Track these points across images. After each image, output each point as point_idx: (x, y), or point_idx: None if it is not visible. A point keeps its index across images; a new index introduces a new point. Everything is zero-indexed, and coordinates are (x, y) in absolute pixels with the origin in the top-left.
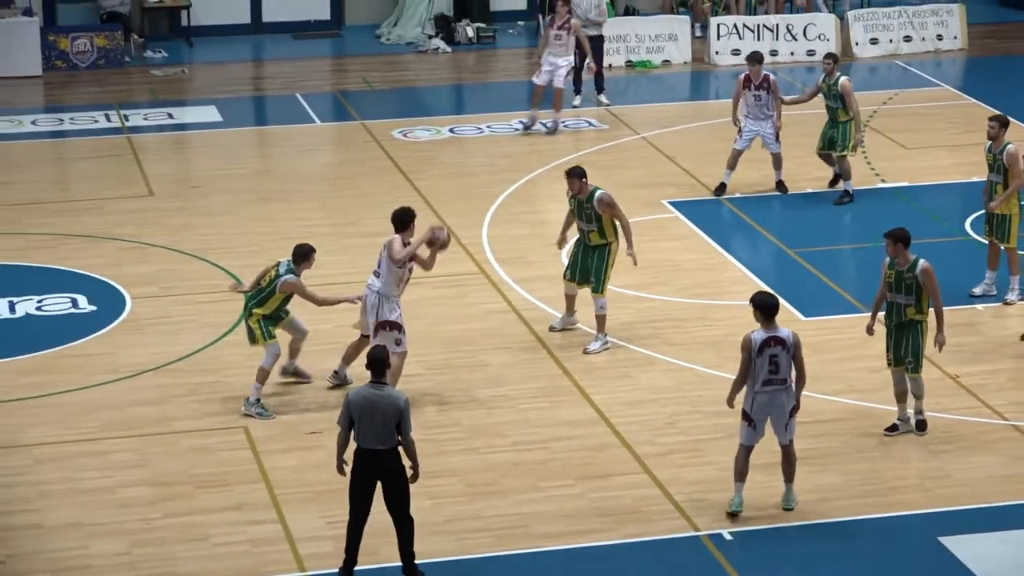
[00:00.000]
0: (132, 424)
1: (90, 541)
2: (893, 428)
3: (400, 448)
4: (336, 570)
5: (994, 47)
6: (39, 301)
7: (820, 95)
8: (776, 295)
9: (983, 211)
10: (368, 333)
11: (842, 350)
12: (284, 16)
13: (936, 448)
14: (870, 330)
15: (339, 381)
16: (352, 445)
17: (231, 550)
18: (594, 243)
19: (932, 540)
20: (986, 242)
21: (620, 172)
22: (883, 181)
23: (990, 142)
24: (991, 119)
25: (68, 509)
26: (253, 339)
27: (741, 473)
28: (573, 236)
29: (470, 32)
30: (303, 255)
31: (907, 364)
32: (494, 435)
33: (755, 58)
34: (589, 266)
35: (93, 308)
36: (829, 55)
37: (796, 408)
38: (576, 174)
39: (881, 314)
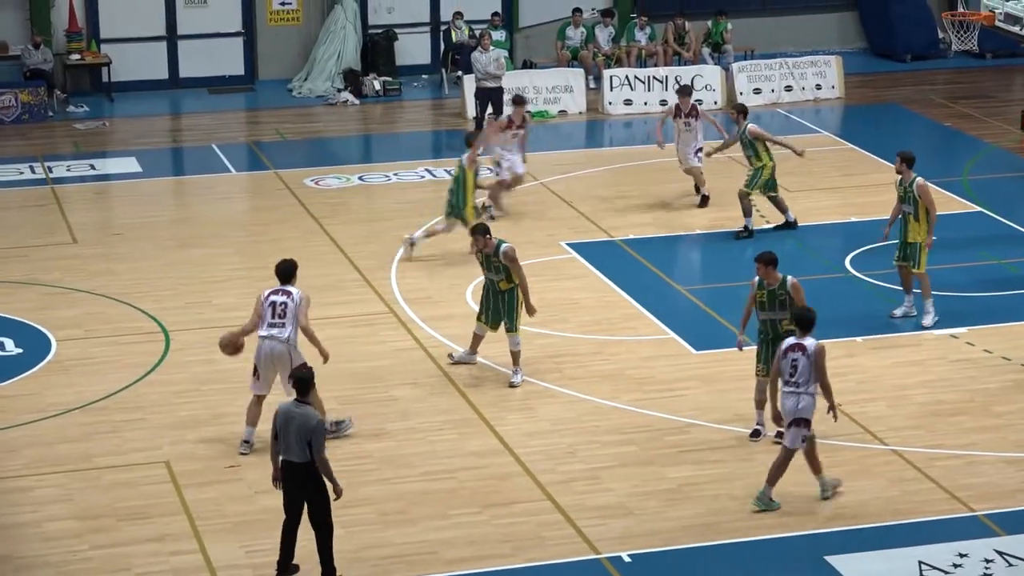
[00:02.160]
0: (57, 461)
1: (18, 573)
2: (756, 434)
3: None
4: None
5: (869, 95)
6: None
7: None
8: (814, 312)
9: (882, 243)
10: (266, 392)
11: (730, 381)
12: (200, 71)
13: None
14: (740, 346)
15: (248, 449)
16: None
17: None
18: (503, 288)
19: (819, 559)
20: (897, 268)
21: (520, 216)
22: (767, 223)
23: (899, 176)
24: (899, 156)
25: None
26: None
27: (815, 467)
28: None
29: (377, 85)
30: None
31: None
32: (404, 466)
33: (685, 91)
34: (500, 308)
35: (20, 351)
36: (735, 106)
37: (831, 409)
38: (480, 231)
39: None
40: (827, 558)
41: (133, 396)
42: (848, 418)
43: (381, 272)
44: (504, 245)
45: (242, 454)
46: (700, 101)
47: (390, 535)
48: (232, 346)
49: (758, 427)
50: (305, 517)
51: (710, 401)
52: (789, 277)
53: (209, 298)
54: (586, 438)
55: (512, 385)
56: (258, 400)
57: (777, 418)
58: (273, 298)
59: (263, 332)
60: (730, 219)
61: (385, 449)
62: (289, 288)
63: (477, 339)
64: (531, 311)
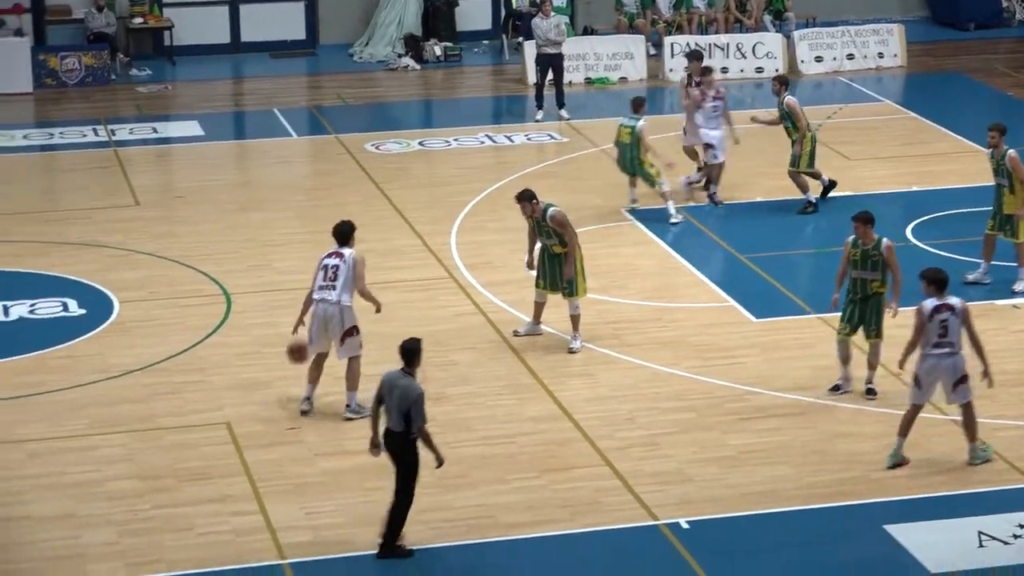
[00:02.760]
0: (119, 421)
1: (81, 531)
2: (836, 388)
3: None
4: (314, 558)
5: (930, 64)
6: (32, 305)
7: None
8: (945, 270)
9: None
10: (325, 351)
11: (790, 349)
12: (262, 36)
13: (881, 441)
14: (835, 304)
15: (309, 407)
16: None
17: (215, 539)
18: (558, 252)
19: (878, 528)
20: (985, 237)
21: (580, 183)
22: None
23: (992, 149)
24: (991, 128)
25: (59, 502)
26: None
27: (904, 429)
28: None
29: (438, 51)
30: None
31: (870, 331)
32: (464, 430)
33: (695, 55)
34: (558, 273)
35: (83, 312)
36: (777, 77)
37: (986, 373)
38: (525, 197)
39: None
40: (886, 527)
41: (194, 358)
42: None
43: (441, 237)
44: (552, 209)
45: (303, 412)
46: (710, 68)
47: (449, 499)
48: (298, 352)
49: (840, 382)
50: None
51: (770, 369)
52: (885, 239)
53: (269, 261)
54: (645, 404)
55: (571, 351)
56: (318, 360)
57: (917, 382)
58: (326, 261)
59: (316, 295)
60: (791, 187)
61: (445, 413)
62: (343, 250)
63: (538, 307)
64: (565, 274)
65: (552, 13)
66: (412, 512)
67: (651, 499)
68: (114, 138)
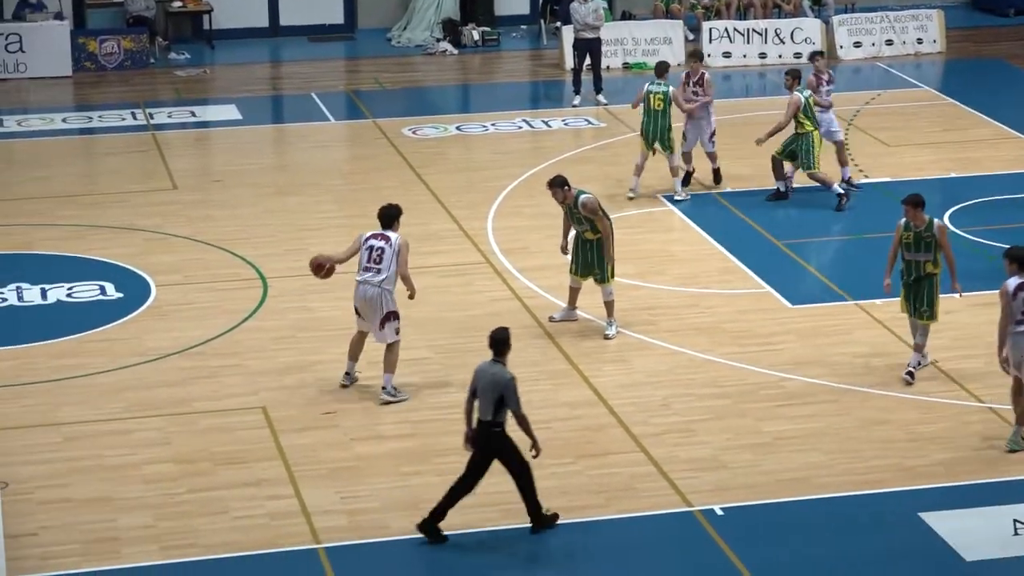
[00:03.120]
0: (156, 404)
1: (117, 515)
2: (910, 375)
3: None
4: (349, 543)
5: (969, 50)
6: (69, 288)
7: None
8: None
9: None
10: (366, 329)
11: (827, 335)
12: (300, 20)
13: (916, 429)
14: (887, 288)
15: (349, 381)
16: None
17: (250, 523)
18: (590, 239)
19: (913, 516)
20: None
21: (617, 168)
22: (866, 177)
23: None
24: None
25: (96, 484)
26: None
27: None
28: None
29: (476, 35)
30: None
31: (923, 313)
32: None
33: (695, 56)
34: (590, 260)
35: (120, 295)
36: (789, 71)
37: None
38: (557, 183)
39: None
40: (921, 515)
41: (231, 342)
42: (944, 375)
43: (477, 222)
44: (583, 196)
45: (343, 386)
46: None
47: (484, 484)
48: (320, 267)
49: (921, 362)
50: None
51: (806, 355)
52: (936, 220)
53: (306, 245)
54: (680, 391)
55: (607, 337)
56: (361, 336)
57: (1006, 362)
58: (371, 242)
59: (358, 276)
60: (828, 172)
61: None
62: (388, 233)
63: (573, 292)
64: (606, 258)
65: None
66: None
67: (686, 485)
68: (152, 122)
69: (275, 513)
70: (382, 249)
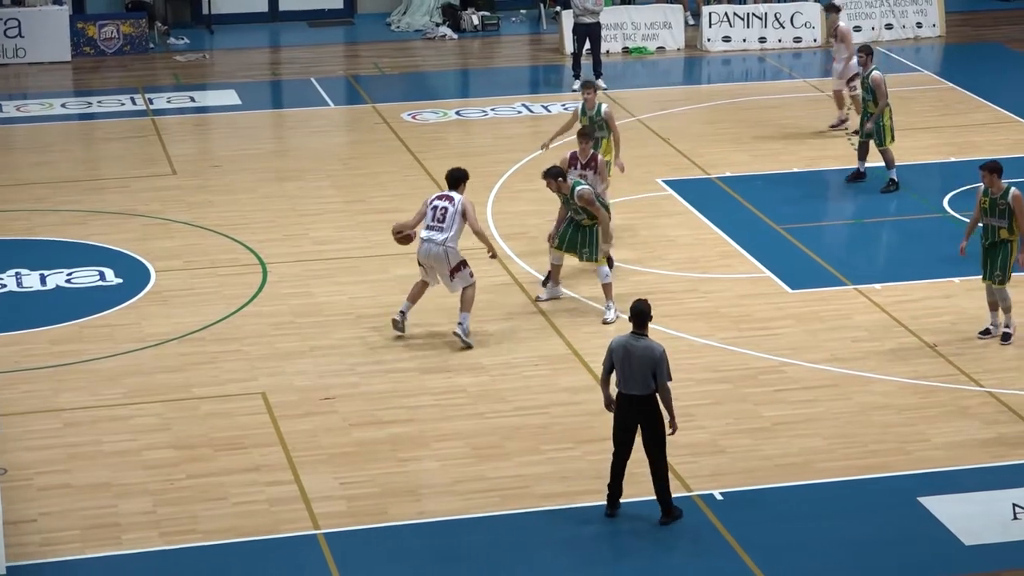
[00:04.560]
0: (156, 390)
1: (118, 500)
2: (986, 332)
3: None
4: (348, 528)
5: (969, 34)
6: (69, 274)
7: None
8: None
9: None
10: (429, 280)
11: (827, 320)
12: (300, 5)
13: (915, 413)
14: (963, 251)
15: (402, 319)
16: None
17: (250, 509)
18: (585, 224)
19: (912, 500)
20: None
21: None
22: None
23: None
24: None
25: (96, 470)
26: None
27: None
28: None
29: (475, 20)
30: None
31: (995, 277)
32: (498, 401)
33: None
34: (577, 239)
35: (120, 281)
36: (862, 47)
37: None
38: (551, 174)
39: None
40: (920, 499)
41: (230, 327)
42: (944, 359)
43: (478, 207)
44: (579, 187)
45: (395, 321)
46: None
47: (483, 469)
48: (400, 233)
49: (990, 327)
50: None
51: (806, 340)
52: (1013, 188)
53: (306, 231)
54: (680, 375)
55: (606, 322)
56: (423, 285)
57: None
58: (436, 203)
59: (423, 234)
60: (827, 157)
61: (479, 384)
62: (452, 194)
63: (555, 269)
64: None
65: None
66: (445, 482)
67: (685, 470)
68: (152, 107)
69: (274, 499)
70: (445, 209)
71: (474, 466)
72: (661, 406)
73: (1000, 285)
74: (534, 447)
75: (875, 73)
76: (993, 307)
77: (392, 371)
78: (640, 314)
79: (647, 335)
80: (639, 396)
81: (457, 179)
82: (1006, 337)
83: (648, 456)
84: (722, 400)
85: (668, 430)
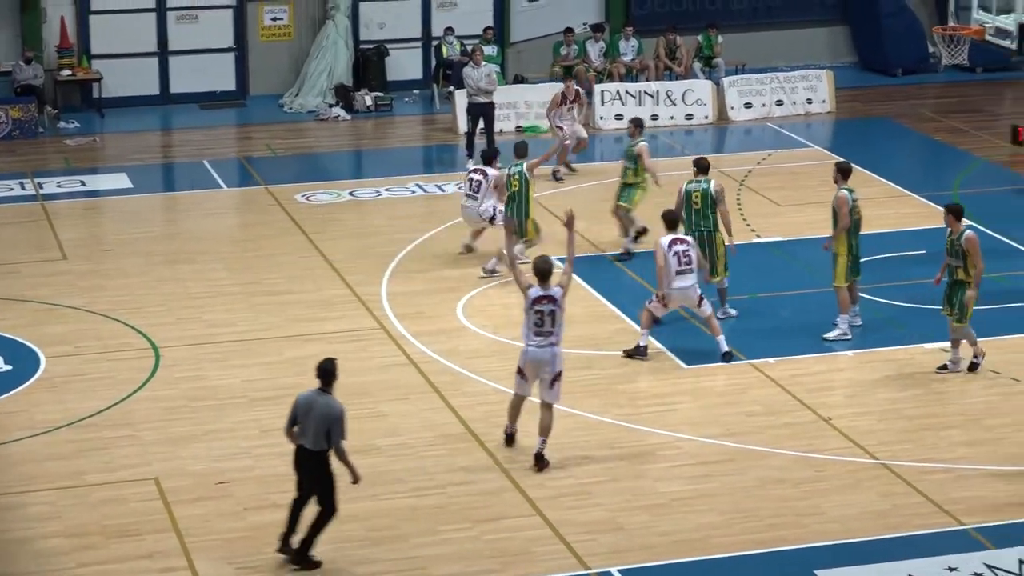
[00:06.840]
0: (47, 477)
1: None
2: (943, 368)
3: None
4: None
5: (859, 110)
6: None
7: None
8: None
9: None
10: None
11: (721, 395)
12: (191, 87)
13: (811, 487)
14: (937, 282)
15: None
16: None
17: None
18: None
19: (809, 573)
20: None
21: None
22: (758, 236)
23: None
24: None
25: None
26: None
27: None
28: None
29: (368, 100)
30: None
31: (954, 316)
32: (394, 481)
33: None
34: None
35: (9, 368)
36: (633, 120)
37: None
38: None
39: None
40: (817, 572)
41: (123, 413)
42: (838, 432)
43: (371, 287)
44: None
45: (464, 249)
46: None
47: (379, 551)
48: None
49: (947, 363)
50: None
51: (701, 416)
52: (968, 231)
53: (199, 314)
54: (576, 453)
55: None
56: (476, 233)
57: None
58: (472, 175)
59: (463, 202)
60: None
61: (374, 465)
62: (486, 169)
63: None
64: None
65: (483, 62)
66: (342, 566)
67: (582, 548)
68: (42, 191)
69: None
70: (479, 182)
71: (370, 548)
72: (337, 462)
73: (959, 324)
74: (431, 528)
75: (642, 143)
76: (955, 344)
77: (287, 453)
78: (326, 372)
79: (331, 392)
80: (310, 451)
81: (490, 158)
82: (973, 367)
83: (318, 503)
84: (619, 477)
85: (351, 479)
